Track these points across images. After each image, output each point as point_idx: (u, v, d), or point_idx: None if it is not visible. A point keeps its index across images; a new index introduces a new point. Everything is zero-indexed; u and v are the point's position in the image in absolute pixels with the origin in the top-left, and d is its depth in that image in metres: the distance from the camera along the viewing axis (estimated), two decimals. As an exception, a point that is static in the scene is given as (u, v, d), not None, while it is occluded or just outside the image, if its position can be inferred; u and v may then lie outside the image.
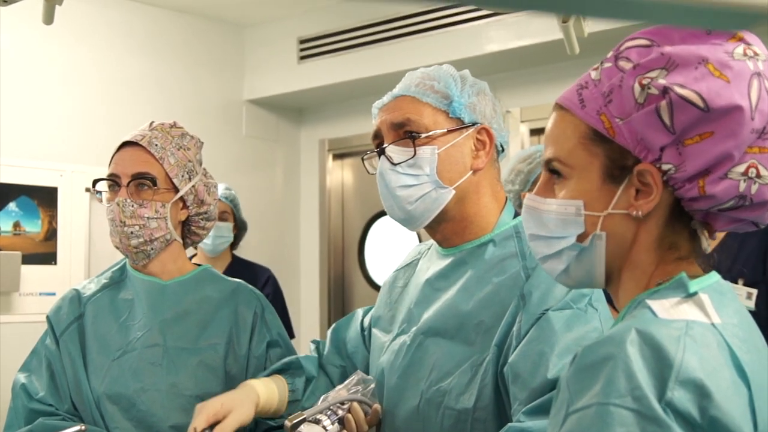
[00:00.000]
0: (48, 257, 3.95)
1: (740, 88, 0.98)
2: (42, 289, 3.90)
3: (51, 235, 3.96)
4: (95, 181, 1.95)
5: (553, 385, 1.35)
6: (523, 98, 4.18)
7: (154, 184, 1.87)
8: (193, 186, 1.94)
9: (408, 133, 1.59)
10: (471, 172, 1.61)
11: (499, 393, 1.46)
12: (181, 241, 1.98)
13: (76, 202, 4.05)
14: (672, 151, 1.01)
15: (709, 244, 1.08)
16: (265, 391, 1.71)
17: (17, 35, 3.90)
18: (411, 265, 1.80)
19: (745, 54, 1.00)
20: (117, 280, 1.99)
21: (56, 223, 3.98)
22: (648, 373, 0.91)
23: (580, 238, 1.10)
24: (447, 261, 1.65)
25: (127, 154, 1.90)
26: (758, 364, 1.00)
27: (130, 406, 1.83)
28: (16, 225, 3.86)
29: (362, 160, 1.77)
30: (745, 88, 0.98)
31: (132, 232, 1.86)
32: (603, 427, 0.90)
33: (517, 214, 1.66)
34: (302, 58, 4.74)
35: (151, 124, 1.96)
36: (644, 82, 1.02)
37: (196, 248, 2.10)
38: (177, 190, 1.91)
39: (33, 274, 3.88)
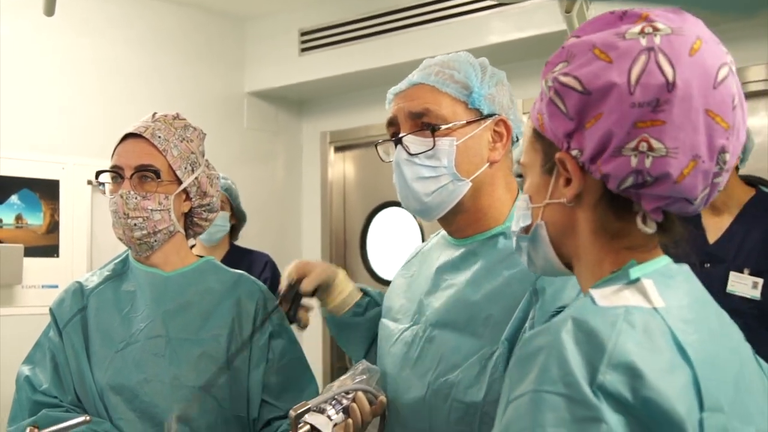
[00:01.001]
0: (50, 250, 3.95)
1: (621, 66, 1.00)
2: (44, 282, 3.90)
3: (53, 227, 3.96)
4: (98, 173, 1.94)
5: None
6: (526, 90, 4.16)
7: (158, 176, 1.87)
8: (196, 178, 1.94)
9: (427, 125, 1.57)
10: (487, 164, 1.60)
11: None
12: (183, 232, 1.98)
13: (77, 195, 4.05)
14: (578, 137, 1.05)
15: (651, 227, 1.06)
16: (344, 277, 1.87)
17: (18, 27, 3.89)
18: (418, 255, 1.81)
19: (641, 32, 1.01)
20: (119, 272, 1.99)
21: (58, 215, 3.98)
22: (581, 358, 0.93)
23: (526, 229, 1.18)
24: (458, 251, 1.64)
25: (131, 145, 1.89)
26: (710, 344, 1.01)
27: (134, 397, 1.83)
28: (18, 218, 3.86)
29: (375, 146, 1.76)
30: (627, 64, 1.00)
31: (135, 224, 1.86)
32: (536, 413, 0.93)
33: None
34: (303, 50, 4.73)
35: (153, 115, 1.96)
36: (546, 76, 1.09)
37: (194, 238, 2.10)
38: (180, 182, 1.91)
39: (35, 267, 3.88)
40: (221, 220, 3.66)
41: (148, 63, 4.44)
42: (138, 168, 1.86)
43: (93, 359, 1.88)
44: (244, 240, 3.97)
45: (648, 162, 1.00)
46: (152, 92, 4.41)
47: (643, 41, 1.00)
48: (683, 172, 1.01)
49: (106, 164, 1.93)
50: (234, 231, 3.86)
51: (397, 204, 3.78)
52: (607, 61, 1.02)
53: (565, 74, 1.05)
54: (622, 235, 1.08)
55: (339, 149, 5.20)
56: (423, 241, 1.92)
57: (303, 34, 4.73)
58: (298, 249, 5.22)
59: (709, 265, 2.87)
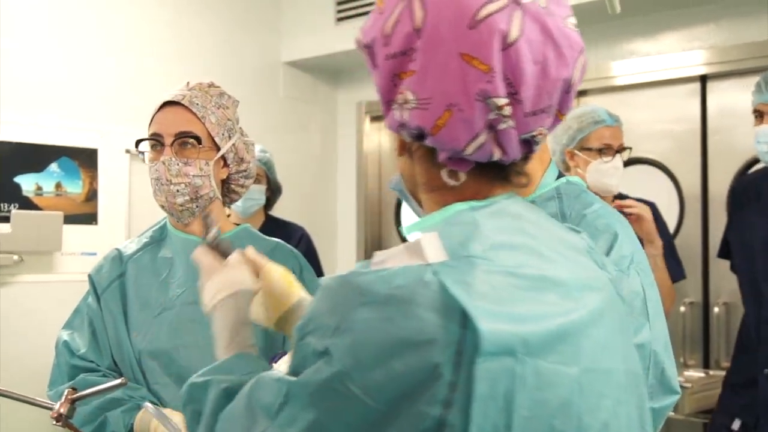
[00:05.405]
0: (89, 217, 3.99)
1: (384, 17, 0.98)
2: (83, 249, 3.95)
3: (92, 195, 4.01)
4: (138, 141, 1.96)
5: None
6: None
7: (199, 142, 1.88)
8: (233, 144, 1.95)
9: None
10: None
11: None
12: (221, 199, 1.99)
13: (115, 163, 4.08)
14: None
15: (457, 179, 0.99)
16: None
17: (57, -3, 3.92)
18: None
19: None
20: (157, 239, 2.01)
21: (97, 183, 4.02)
22: (327, 316, 0.88)
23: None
24: None
25: (170, 113, 1.91)
26: (507, 286, 0.89)
27: (170, 362, 1.85)
28: (58, 185, 3.90)
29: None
30: (386, 16, 0.98)
31: (178, 190, 1.87)
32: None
33: (560, 175, 1.63)
34: (339, 19, 4.71)
35: (188, 84, 1.97)
36: None
37: (229, 209, 2.11)
38: (218, 149, 1.92)
39: (74, 234, 3.92)
40: (257, 194, 3.67)
41: (185, 31, 4.44)
42: (178, 135, 1.88)
43: (131, 324, 1.91)
44: (278, 209, 3.99)
45: (406, 115, 0.96)
46: (189, 61, 4.42)
47: None
48: (437, 123, 0.93)
49: (143, 133, 1.94)
50: (269, 202, 3.88)
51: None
52: (379, 12, 1.00)
53: (364, 33, 1.03)
54: (450, 188, 1.01)
55: (375, 119, 5.18)
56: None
57: (339, 3, 4.71)
58: (333, 219, 5.23)
59: None
